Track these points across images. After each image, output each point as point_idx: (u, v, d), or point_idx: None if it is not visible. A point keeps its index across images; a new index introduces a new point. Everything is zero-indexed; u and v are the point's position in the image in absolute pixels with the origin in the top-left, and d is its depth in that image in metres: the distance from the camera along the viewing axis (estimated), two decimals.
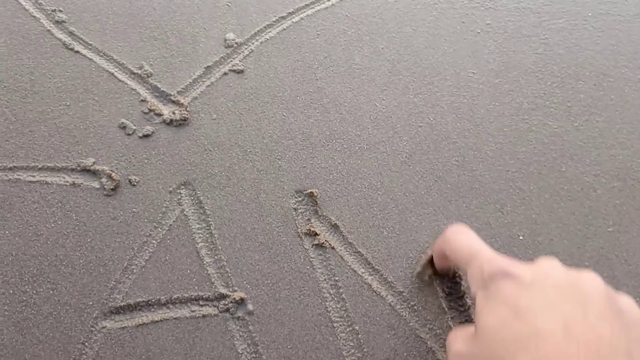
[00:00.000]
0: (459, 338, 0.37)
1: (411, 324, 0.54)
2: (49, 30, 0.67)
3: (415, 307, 0.54)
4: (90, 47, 0.67)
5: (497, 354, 0.31)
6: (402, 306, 0.55)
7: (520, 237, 0.56)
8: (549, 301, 0.31)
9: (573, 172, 0.60)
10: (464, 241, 0.42)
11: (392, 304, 0.54)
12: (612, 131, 0.65)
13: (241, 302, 0.52)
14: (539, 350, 0.29)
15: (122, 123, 0.61)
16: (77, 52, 0.66)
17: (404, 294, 0.55)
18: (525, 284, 0.33)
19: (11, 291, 0.51)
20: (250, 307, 0.52)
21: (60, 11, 0.69)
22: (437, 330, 0.54)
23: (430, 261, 0.53)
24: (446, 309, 0.54)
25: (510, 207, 0.58)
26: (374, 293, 0.55)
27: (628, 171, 0.62)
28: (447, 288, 0.54)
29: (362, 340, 0.53)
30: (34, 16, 0.68)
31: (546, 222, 0.57)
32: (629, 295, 0.38)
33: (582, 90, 0.67)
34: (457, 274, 0.54)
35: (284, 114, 0.62)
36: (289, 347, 0.52)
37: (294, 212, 0.57)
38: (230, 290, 0.52)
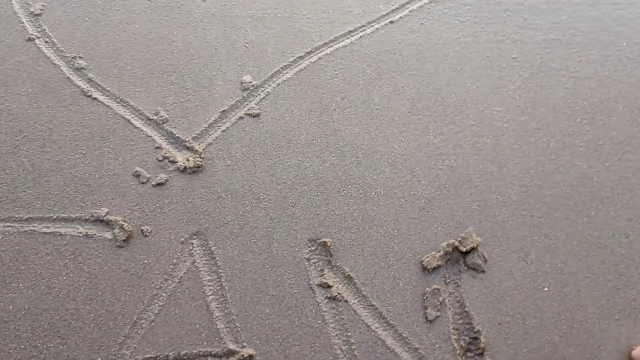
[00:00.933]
0: None
1: None
2: (68, 78, 0.69)
3: None
4: (107, 93, 0.68)
5: None
6: None
7: (545, 289, 0.54)
8: None
9: (604, 216, 0.58)
10: None
11: None
12: (631, 168, 0.61)
13: (250, 359, 0.52)
14: None
15: (137, 171, 0.62)
16: (94, 99, 0.68)
17: (419, 350, 0.53)
18: None
19: (22, 346, 0.53)
20: None
21: (80, 57, 0.71)
22: None
23: None
24: None
25: (535, 256, 0.56)
26: (387, 350, 0.54)
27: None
28: (465, 344, 0.52)
29: None
30: (55, 64, 0.70)
31: (574, 271, 0.55)
32: None
33: (614, 127, 0.64)
34: (476, 329, 0.52)
35: (299, 158, 0.62)
36: None
37: (307, 263, 0.56)
38: (240, 346, 0.52)
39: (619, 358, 0.51)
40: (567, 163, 0.61)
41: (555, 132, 0.62)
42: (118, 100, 0.69)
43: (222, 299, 0.56)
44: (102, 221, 0.60)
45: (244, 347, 0.54)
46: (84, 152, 0.65)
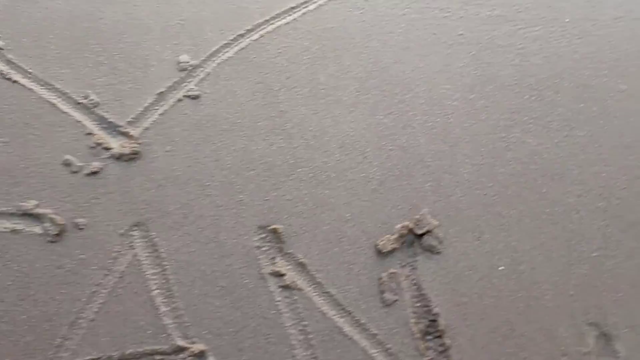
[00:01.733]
0: None
1: None
2: None
3: (391, 350, 0.52)
4: (30, 75, 0.63)
5: None
6: (377, 350, 0.52)
7: (501, 268, 0.54)
8: None
9: (555, 193, 0.58)
10: None
11: (365, 348, 0.52)
12: (594, 146, 0.63)
13: (201, 355, 0.49)
14: None
15: (67, 160, 0.58)
16: (15, 82, 0.63)
17: (378, 336, 0.52)
18: None
19: None
20: (211, 359, 0.49)
21: None
22: None
23: None
24: (423, 351, 0.51)
25: (489, 235, 0.56)
26: (345, 337, 0.52)
27: (613, 189, 0.60)
28: (424, 327, 0.51)
29: None
30: None
31: (527, 249, 0.55)
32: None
33: (561, 104, 0.65)
34: (435, 312, 0.51)
35: (245, 142, 0.59)
36: None
37: (257, 251, 0.54)
38: (189, 342, 0.49)
39: (574, 333, 0.52)
40: (517, 140, 0.61)
41: (504, 109, 0.62)
42: (42, 83, 0.64)
43: (168, 293, 0.53)
44: (30, 215, 0.56)
45: (194, 342, 0.51)
46: (6, 140, 0.60)
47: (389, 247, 0.55)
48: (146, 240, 0.55)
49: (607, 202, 0.59)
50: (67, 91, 0.63)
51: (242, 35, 0.68)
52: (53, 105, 0.62)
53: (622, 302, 0.53)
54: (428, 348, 0.52)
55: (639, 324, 0.52)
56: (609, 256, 0.57)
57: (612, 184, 0.60)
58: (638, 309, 0.52)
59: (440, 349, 0.52)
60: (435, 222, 0.57)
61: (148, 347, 0.50)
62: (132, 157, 0.59)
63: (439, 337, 0.52)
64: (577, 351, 0.52)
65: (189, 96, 0.63)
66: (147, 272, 0.54)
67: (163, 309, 0.52)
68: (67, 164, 0.58)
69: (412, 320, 0.53)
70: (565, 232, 0.58)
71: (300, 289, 0.54)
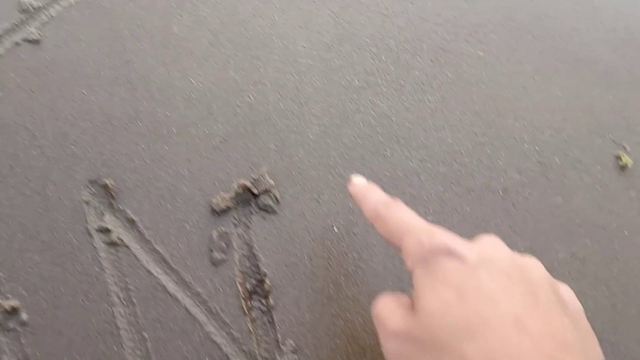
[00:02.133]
0: (394, 315, 0.33)
1: (207, 328, 0.51)
2: None
3: (214, 310, 0.52)
4: None
5: (440, 337, 0.29)
6: (199, 309, 0.52)
7: (335, 229, 0.54)
8: (498, 287, 0.30)
9: (398, 157, 0.58)
10: (398, 216, 0.38)
11: (187, 306, 0.51)
12: (443, 112, 0.63)
13: (13, 311, 0.48)
14: (488, 342, 0.27)
15: None
16: None
17: (201, 295, 0.52)
18: (471, 265, 0.31)
19: None
20: (24, 317, 0.48)
21: None
22: (235, 335, 0.51)
23: None
24: (247, 310, 0.51)
25: (328, 196, 0.56)
26: (168, 295, 0.51)
27: (455, 155, 0.61)
28: (251, 287, 0.51)
29: (150, 349, 0.51)
30: None
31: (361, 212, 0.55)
32: (565, 284, 0.36)
33: (417, 67, 0.65)
34: (263, 272, 0.51)
35: (84, 91, 0.57)
36: (66, 359, 0.48)
37: (86, 206, 0.52)
38: (2, 298, 0.47)
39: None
40: (368, 103, 0.60)
41: (359, 70, 0.62)
42: None
43: None
44: None
45: (7, 298, 0.49)
46: None
47: (223, 206, 0.55)
48: None
49: (448, 167, 0.60)
50: None
51: None
52: None
53: None
54: (252, 308, 0.52)
55: None
56: (443, 220, 0.58)
57: (455, 149, 0.61)
58: None
59: (264, 308, 0.53)
60: (272, 182, 0.56)
61: None
62: None
63: (265, 297, 0.52)
64: None
65: (28, 40, 0.60)
66: None
67: None
68: None
69: (239, 280, 0.53)
70: (404, 195, 0.58)
71: (126, 246, 0.52)
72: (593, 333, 0.31)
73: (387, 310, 0.35)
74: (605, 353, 0.50)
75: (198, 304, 0.52)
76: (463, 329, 0.29)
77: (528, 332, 0.27)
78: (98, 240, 0.53)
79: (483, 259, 0.32)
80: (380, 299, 0.40)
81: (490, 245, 0.34)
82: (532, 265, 0.32)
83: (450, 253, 0.32)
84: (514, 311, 0.28)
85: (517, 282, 0.30)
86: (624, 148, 0.64)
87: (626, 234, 0.60)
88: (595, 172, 0.62)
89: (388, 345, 0.33)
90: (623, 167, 0.62)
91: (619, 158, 0.62)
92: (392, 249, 0.56)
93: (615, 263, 0.59)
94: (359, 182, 0.51)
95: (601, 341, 0.54)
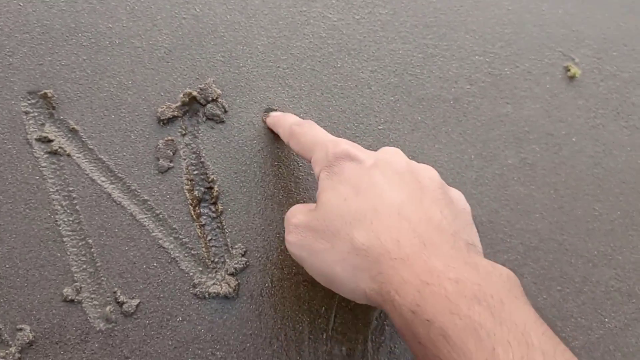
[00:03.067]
0: (298, 212, 0.40)
1: (154, 234, 0.50)
2: None
3: (161, 216, 0.51)
4: None
5: (334, 226, 0.35)
6: (146, 215, 0.51)
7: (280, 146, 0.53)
8: (389, 184, 0.35)
9: (349, 68, 0.58)
10: (309, 132, 0.45)
11: (133, 213, 0.50)
12: (395, 24, 0.62)
13: None
14: (374, 226, 0.33)
15: None
16: None
17: (148, 202, 0.50)
18: (368, 166, 0.37)
19: None
20: None
21: None
22: (184, 239, 0.51)
23: None
24: (195, 217, 0.50)
25: (278, 106, 0.55)
26: (113, 203, 0.50)
27: (407, 66, 0.60)
28: (199, 194, 0.50)
29: (95, 255, 0.49)
30: None
31: (315, 120, 0.54)
32: (457, 190, 0.41)
33: None
34: (211, 179, 0.51)
35: (21, 3, 0.54)
36: (7, 266, 0.47)
37: (25, 117, 0.50)
38: None
39: None
40: (318, 15, 0.59)
41: None
42: None
43: None
44: None
45: None
46: None
47: (169, 115, 0.53)
48: None
49: (399, 78, 0.59)
50: None
51: None
52: None
53: None
54: (201, 214, 0.51)
55: None
56: (393, 129, 0.57)
57: (407, 61, 0.60)
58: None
59: (213, 215, 0.52)
60: (219, 91, 0.55)
61: None
62: None
63: (214, 203, 0.51)
64: None
65: None
66: None
67: None
68: None
69: (187, 187, 0.52)
70: (355, 105, 0.57)
71: (68, 155, 0.51)
72: (474, 228, 0.37)
73: (294, 211, 0.41)
74: (552, 251, 0.51)
75: (145, 211, 0.51)
76: (355, 218, 0.34)
77: (408, 219, 0.33)
78: (39, 150, 0.51)
79: (379, 162, 0.37)
80: (292, 207, 0.45)
81: (389, 153, 0.39)
82: (425, 169, 0.38)
83: (350, 157, 0.38)
84: (399, 202, 0.34)
85: (407, 181, 0.36)
86: (573, 60, 0.65)
87: (574, 140, 0.61)
88: (544, 83, 0.62)
89: (290, 237, 0.40)
90: (571, 78, 0.63)
91: (567, 69, 0.63)
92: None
93: (562, 167, 0.60)
94: (274, 114, 0.58)
95: (549, 240, 0.55)
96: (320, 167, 0.39)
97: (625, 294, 0.60)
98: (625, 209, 0.60)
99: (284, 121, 0.49)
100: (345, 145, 0.38)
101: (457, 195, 0.37)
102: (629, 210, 0.60)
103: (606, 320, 0.60)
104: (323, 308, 0.53)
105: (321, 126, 0.54)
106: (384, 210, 0.33)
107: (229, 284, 0.51)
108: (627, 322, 0.60)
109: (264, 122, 0.52)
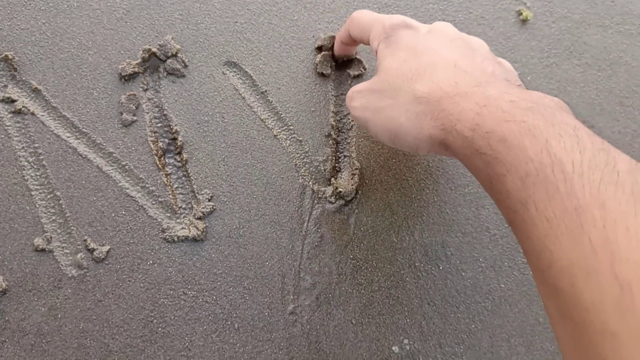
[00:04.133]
0: (359, 85, 0.43)
1: (121, 184, 0.52)
2: None
3: (127, 167, 0.53)
4: None
5: (397, 84, 0.37)
6: (112, 167, 0.52)
7: (243, 96, 0.55)
8: (443, 46, 0.38)
9: (306, 20, 0.60)
10: (367, 14, 0.46)
11: (100, 166, 0.52)
12: None
13: None
14: (433, 78, 0.36)
15: None
16: None
17: (114, 154, 0.52)
18: (423, 33, 0.40)
19: None
20: None
21: None
22: (151, 188, 0.53)
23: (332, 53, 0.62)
24: (161, 166, 0.52)
25: (237, 59, 0.57)
26: (79, 157, 0.52)
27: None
28: (164, 145, 0.53)
29: (64, 206, 0.51)
30: None
31: (274, 71, 0.59)
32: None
33: None
34: (175, 130, 0.53)
35: None
36: None
37: None
38: None
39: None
40: None
41: None
42: None
43: None
44: None
45: None
46: None
47: (130, 71, 0.55)
48: None
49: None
50: None
51: None
52: None
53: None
54: (166, 164, 0.53)
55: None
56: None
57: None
58: None
59: (179, 164, 0.53)
60: (178, 46, 0.57)
61: None
62: None
63: (178, 153, 0.53)
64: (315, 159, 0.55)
65: None
66: None
67: None
68: None
69: (151, 139, 0.54)
70: (313, 55, 0.59)
71: (32, 114, 0.52)
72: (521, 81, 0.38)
73: (354, 87, 0.43)
74: None
75: (111, 163, 0.53)
76: (415, 74, 0.37)
77: (464, 70, 0.36)
78: (2, 110, 0.53)
79: (434, 30, 0.40)
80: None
81: (442, 24, 0.41)
82: (475, 39, 0.40)
83: (407, 25, 0.41)
84: (454, 58, 0.37)
85: (460, 45, 0.39)
86: (524, 3, 0.67)
87: (529, 79, 0.63)
88: (498, 27, 0.65)
89: (353, 103, 0.43)
90: (524, 21, 0.65)
91: (519, 13, 0.65)
92: (302, 95, 0.58)
93: None
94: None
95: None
96: (379, 40, 0.41)
97: None
98: None
99: (345, 23, 0.51)
100: (400, 16, 0.41)
101: (505, 62, 0.40)
102: None
103: None
104: (291, 245, 0.56)
105: (279, 77, 0.57)
106: (442, 64, 0.36)
107: (197, 227, 0.53)
108: None
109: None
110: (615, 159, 0.25)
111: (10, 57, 0.53)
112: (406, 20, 0.40)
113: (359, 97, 0.40)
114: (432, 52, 0.37)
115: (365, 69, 0.57)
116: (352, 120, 0.53)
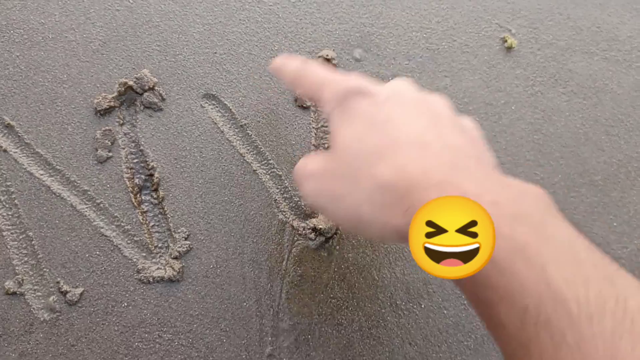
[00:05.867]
0: (310, 161, 0.36)
1: (95, 223, 0.52)
2: None
3: (102, 205, 0.52)
4: None
5: (354, 165, 0.32)
6: (86, 205, 0.52)
7: (222, 130, 0.55)
8: (405, 116, 0.33)
9: (286, 50, 0.60)
10: (317, 72, 0.41)
11: (74, 204, 0.51)
12: (330, 5, 0.64)
13: None
14: (397, 160, 0.31)
15: None
16: None
17: (88, 192, 0.52)
18: (380, 100, 0.35)
19: None
20: None
21: None
22: (126, 227, 0.52)
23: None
24: (136, 204, 0.52)
25: (216, 91, 0.57)
26: (53, 195, 0.52)
27: (344, 46, 0.62)
28: (140, 182, 0.54)
29: (36, 247, 0.51)
30: None
31: (254, 103, 0.58)
32: (469, 118, 0.38)
33: None
34: (151, 166, 0.52)
35: None
36: None
37: None
38: None
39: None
40: (253, 0, 0.61)
41: None
42: None
43: None
44: None
45: None
46: None
47: (106, 105, 0.55)
48: None
49: (337, 59, 0.61)
50: None
51: None
52: None
53: None
54: (142, 201, 0.53)
55: None
56: None
57: (344, 40, 0.63)
58: None
59: (155, 201, 0.53)
60: (155, 79, 0.56)
61: None
62: None
63: (155, 190, 0.53)
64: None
65: None
66: None
67: None
68: None
69: (127, 176, 0.53)
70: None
71: (5, 151, 0.52)
72: (489, 152, 0.35)
73: (304, 161, 0.37)
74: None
75: (85, 201, 0.53)
76: (374, 153, 0.32)
77: (430, 148, 0.31)
78: None
79: (392, 94, 0.36)
80: (299, 162, 0.39)
81: (400, 84, 0.37)
82: (438, 99, 0.36)
83: (362, 92, 0.36)
84: (418, 133, 0.32)
85: (422, 111, 0.34)
86: (509, 31, 0.67)
87: (513, 108, 0.63)
88: (482, 55, 0.65)
89: (306, 188, 0.36)
90: (509, 49, 0.66)
91: (504, 40, 0.66)
92: (282, 128, 0.58)
93: (503, 135, 0.62)
94: (276, 59, 0.52)
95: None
96: (331, 107, 0.36)
97: None
98: (566, 172, 0.63)
99: (288, 65, 0.45)
100: (355, 80, 0.36)
101: (468, 122, 0.36)
102: (570, 173, 0.63)
103: None
104: (270, 285, 0.55)
105: (260, 109, 0.57)
106: (405, 142, 0.32)
107: (173, 268, 0.53)
108: None
109: (270, 70, 0.52)
110: (625, 294, 0.22)
111: None
112: (361, 85, 0.36)
113: (312, 181, 0.35)
114: (393, 126, 0.33)
115: None
116: None
